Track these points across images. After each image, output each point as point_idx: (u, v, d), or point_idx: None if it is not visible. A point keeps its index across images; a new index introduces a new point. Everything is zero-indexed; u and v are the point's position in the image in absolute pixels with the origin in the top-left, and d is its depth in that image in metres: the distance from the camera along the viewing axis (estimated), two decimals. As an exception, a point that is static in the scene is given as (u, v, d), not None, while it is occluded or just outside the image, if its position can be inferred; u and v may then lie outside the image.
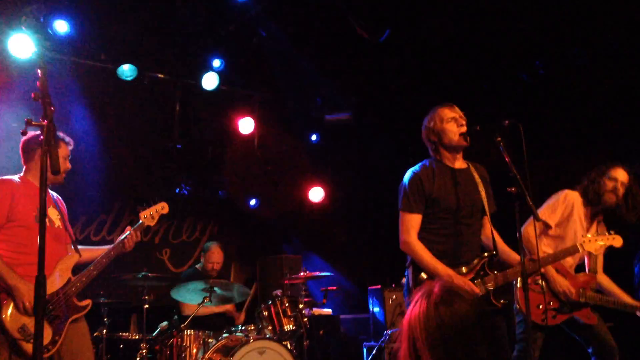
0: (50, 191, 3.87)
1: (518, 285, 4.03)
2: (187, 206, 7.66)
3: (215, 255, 6.02)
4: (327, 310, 7.35)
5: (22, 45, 5.42)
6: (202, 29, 6.36)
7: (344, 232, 8.51)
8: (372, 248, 8.45)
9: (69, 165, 3.86)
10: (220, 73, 6.86)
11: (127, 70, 6.29)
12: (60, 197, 3.99)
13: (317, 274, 5.85)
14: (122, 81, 6.43)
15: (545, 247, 4.26)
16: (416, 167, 3.60)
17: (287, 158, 8.25)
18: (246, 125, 7.59)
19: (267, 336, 5.01)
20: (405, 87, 7.18)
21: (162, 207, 4.16)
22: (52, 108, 2.42)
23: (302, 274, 5.67)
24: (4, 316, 3.40)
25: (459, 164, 3.63)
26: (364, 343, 7.04)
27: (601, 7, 5.67)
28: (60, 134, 3.82)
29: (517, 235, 3.22)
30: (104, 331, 5.00)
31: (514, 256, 3.55)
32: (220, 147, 7.77)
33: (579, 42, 6.23)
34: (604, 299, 4.26)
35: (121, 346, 5.20)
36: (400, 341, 1.81)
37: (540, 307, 4.05)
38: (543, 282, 3.99)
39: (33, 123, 2.44)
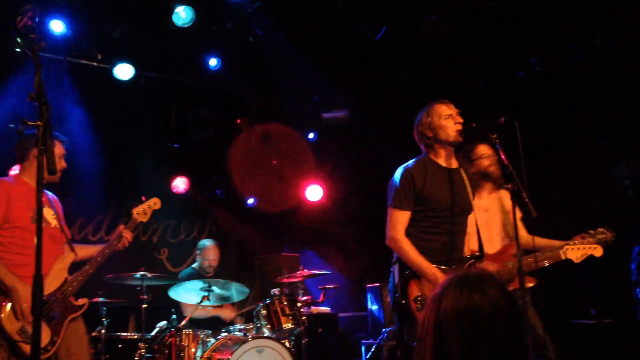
0: (46, 191, 3.86)
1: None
2: (185, 205, 7.67)
3: (210, 252, 6.01)
4: (326, 309, 7.35)
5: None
6: (199, 28, 6.35)
7: (342, 230, 8.51)
8: (370, 246, 8.45)
9: (64, 164, 3.87)
10: (216, 71, 6.85)
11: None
12: (56, 197, 3.98)
13: (316, 272, 5.85)
14: (119, 80, 6.42)
15: None
16: (408, 164, 3.58)
17: (285, 156, 8.26)
18: (244, 124, 7.59)
19: (266, 335, 5.01)
20: (401, 85, 7.19)
21: (155, 203, 4.17)
22: (48, 108, 2.42)
23: (300, 272, 5.67)
24: (3, 317, 3.40)
25: (452, 162, 3.63)
26: (363, 341, 7.05)
27: (597, 3, 5.68)
28: (55, 133, 3.81)
29: (514, 230, 3.23)
30: (103, 331, 5.00)
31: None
32: (217, 146, 7.77)
33: (574, 39, 6.24)
34: (529, 261, 3.90)
35: (120, 346, 5.19)
36: (425, 332, 1.62)
37: None
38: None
39: (29, 123, 2.43)
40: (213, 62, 6.86)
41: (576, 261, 4.00)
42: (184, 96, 7.20)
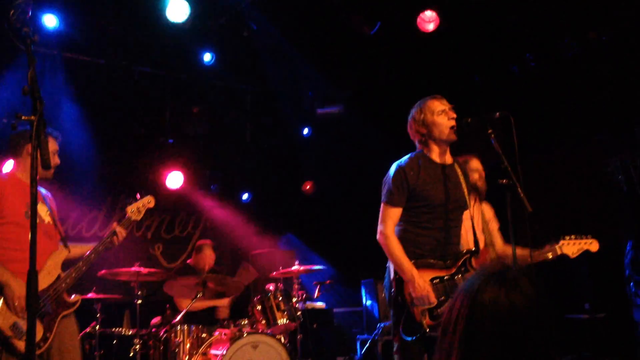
0: (40, 187, 3.84)
1: None
2: (179, 201, 7.65)
3: (207, 258, 6.03)
4: (321, 304, 7.36)
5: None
6: (192, 23, 6.32)
7: (337, 226, 8.51)
8: (365, 241, 8.44)
9: (57, 161, 3.84)
10: (210, 66, 6.82)
11: None
12: (50, 194, 3.96)
13: (310, 267, 5.86)
14: (113, 75, 6.39)
15: None
16: (402, 160, 3.57)
17: (279, 152, 8.24)
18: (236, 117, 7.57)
19: (261, 330, 5.01)
20: (396, 80, 7.18)
21: (149, 201, 4.15)
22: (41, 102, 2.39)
23: (295, 267, 5.67)
24: (-5, 313, 3.38)
25: (446, 158, 3.60)
26: (358, 336, 7.07)
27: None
28: (49, 129, 3.79)
29: (509, 227, 3.23)
30: (97, 327, 4.99)
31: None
32: (212, 142, 7.75)
33: (569, 34, 6.24)
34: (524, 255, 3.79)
35: (114, 341, 5.17)
36: (454, 325, 1.55)
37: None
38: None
39: (23, 118, 2.41)
40: (207, 57, 6.82)
41: (572, 256, 4.01)
42: (178, 91, 7.17)
